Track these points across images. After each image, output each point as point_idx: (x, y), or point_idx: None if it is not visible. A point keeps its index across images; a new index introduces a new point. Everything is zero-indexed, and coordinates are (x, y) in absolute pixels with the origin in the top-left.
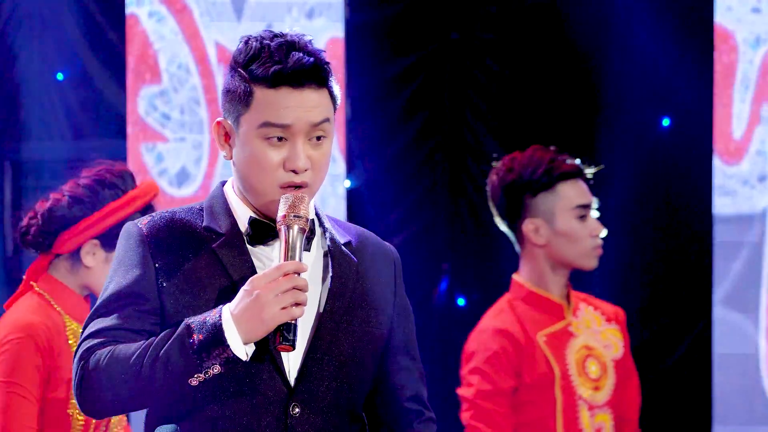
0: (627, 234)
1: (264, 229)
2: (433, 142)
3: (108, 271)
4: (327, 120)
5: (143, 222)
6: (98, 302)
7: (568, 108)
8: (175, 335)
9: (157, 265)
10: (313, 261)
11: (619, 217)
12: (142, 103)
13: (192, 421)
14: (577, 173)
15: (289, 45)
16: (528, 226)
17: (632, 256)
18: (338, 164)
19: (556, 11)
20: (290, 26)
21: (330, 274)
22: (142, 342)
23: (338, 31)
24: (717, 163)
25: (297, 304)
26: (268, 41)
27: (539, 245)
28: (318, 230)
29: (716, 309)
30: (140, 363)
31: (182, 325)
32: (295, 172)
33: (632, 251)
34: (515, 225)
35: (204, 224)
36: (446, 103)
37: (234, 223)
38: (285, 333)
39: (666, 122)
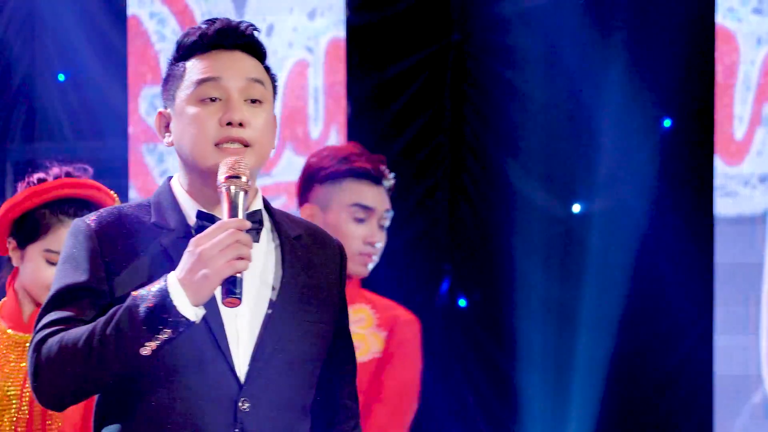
0: (628, 234)
1: (212, 222)
2: (434, 142)
3: (32, 268)
4: (262, 82)
5: (91, 218)
6: (49, 296)
7: (568, 109)
8: (121, 309)
9: (106, 260)
10: (264, 254)
11: (620, 219)
12: (144, 103)
13: (141, 415)
14: (370, 176)
15: (214, 19)
16: (305, 211)
17: (633, 256)
18: None
19: (555, 13)
20: (292, 27)
21: (281, 267)
22: (88, 325)
23: (339, 31)
24: (718, 163)
25: (240, 258)
26: (195, 25)
27: None
28: (268, 223)
29: (717, 310)
30: (90, 341)
31: (129, 297)
32: (230, 124)
33: (633, 251)
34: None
35: (152, 220)
36: (447, 104)
37: (182, 218)
38: (231, 287)
39: (667, 123)
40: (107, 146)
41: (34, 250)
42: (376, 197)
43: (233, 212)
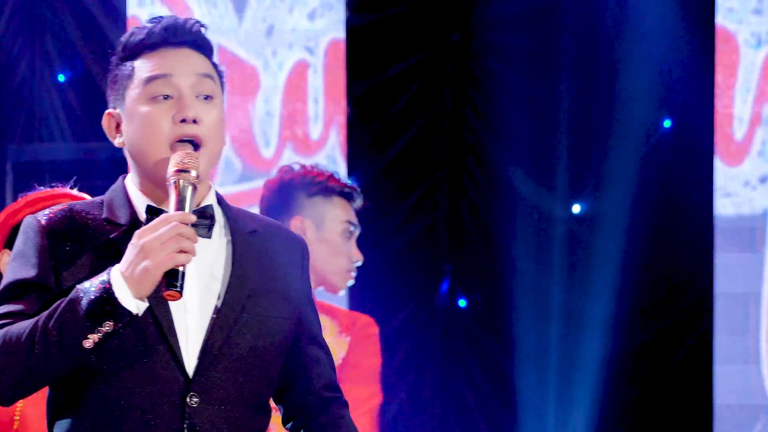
0: (628, 235)
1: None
2: (434, 143)
3: None
4: (212, 77)
5: (43, 215)
6: None
7: (568, 110)
8: (65, 301)
9: (55, 255)
10: (215, 250)
11: (620, 219)
12: None
13: (90, 409)
14: (351, 197)
15: (161, 16)
16: (296, 223)
17: (633, 258)
18: (339, 166)
19: (557, 13)
20: (292, 28)
21: (231, 262)
22: (31, 320)
23: (339, 32)
24: (718, 164)
25: (183, 252)
26: (142, 24)
27: None
28: (221, 219)
29: (717, 310)
30: (33, 335)
31: (72, 291)
32: (184, 121)
33: (633, 253)
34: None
35: (104, 216)
36: (447, 105)
37: (133, 214)
38: (171, 280)
39: (667, 124)
40: (106, 147)
41: None
42: (355, 217)
43: (180, 206)
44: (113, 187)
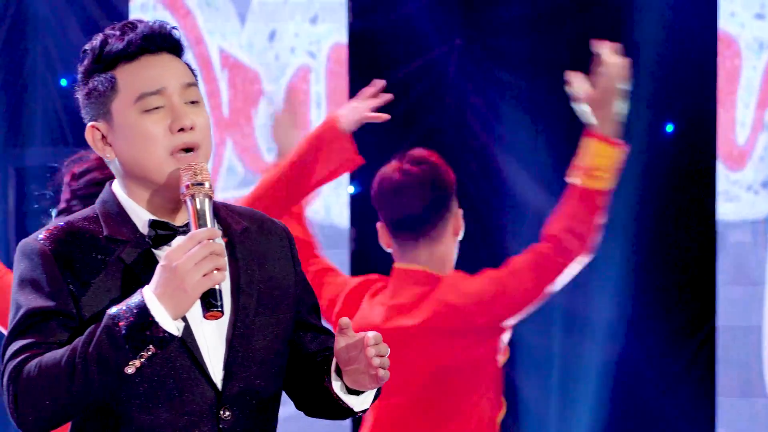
0: (630, 240)
1: (164, 229)
2: (436, 147)
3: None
4: (196, 84)
5: (42, 236)
6: (12, 323)
7: (571, 114)
8: (101, 328)
9: (68, 281)
10: None
11: (622, 223)
12: None
13: None
14: None
15: (128, 23)
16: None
17: (635, 262)
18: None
19: (559, 18)
20: (294, 31)
21: (235, 267)
22: (67, 347)
23: (342, 36)
24: (720, 168)
25: (217, 269)
26: (109, 30)
27: None
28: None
29: (720, 315)
30: (72, 363)
31: (105, 317)
32: (182, 130)
33: (635, 257)
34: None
35: (105, 233)
36: (449, 109)
37: (134, 228)
38: (211, 300)
39: (669, 128)
40: None
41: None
42: None
43: (201, 221)
44: (103, 197)
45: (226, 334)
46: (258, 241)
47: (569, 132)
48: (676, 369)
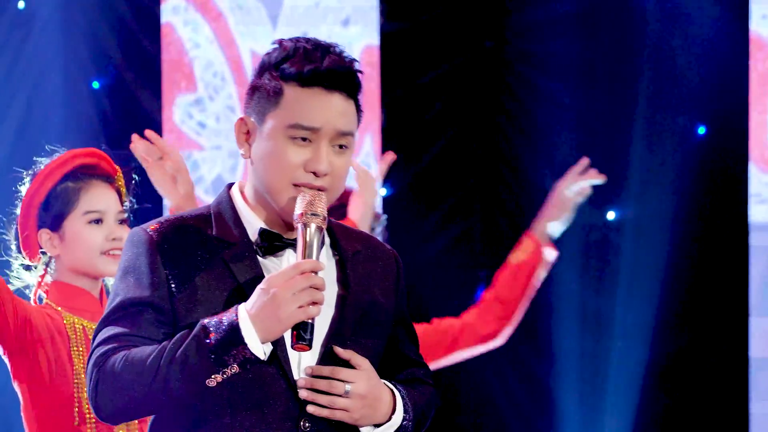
0: (663, 242)
1: (274, 240)
2: (467, 149)
3: (76, 238)
4: (352, 134)
5: (151, 227)
6: (108, 309)
7: (602, 116)
8: (191, 335)
9: (168, 273)
10: (324, 271)
11: (655, 225)
12: (178, 111)
13: None
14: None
15: (324, 48)
16: None
17: (668, 264)
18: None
19: (589, 20)
20: (326, 34)
21: (342, 286)
22: (156, 345)
23: (373, 38)
24: (753, 170)
25: (314, 303)
26: (303, 43)
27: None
28: (327, 239)
29: (752, 316)
30: (157, 364)
31: (198, 326)
32: (315, 174)
33: (668, 258)
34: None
35: (214, 233)
36: (480, 111)
37: (244, 233)
38: (302, 332)
39: (702, 130)
40: None
41: (73, 221)
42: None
43: (308, 252)
44: (219, 199)
45: (320, 347)
46: (367, 265)
47: (603, 135)
48: (707, 370)
